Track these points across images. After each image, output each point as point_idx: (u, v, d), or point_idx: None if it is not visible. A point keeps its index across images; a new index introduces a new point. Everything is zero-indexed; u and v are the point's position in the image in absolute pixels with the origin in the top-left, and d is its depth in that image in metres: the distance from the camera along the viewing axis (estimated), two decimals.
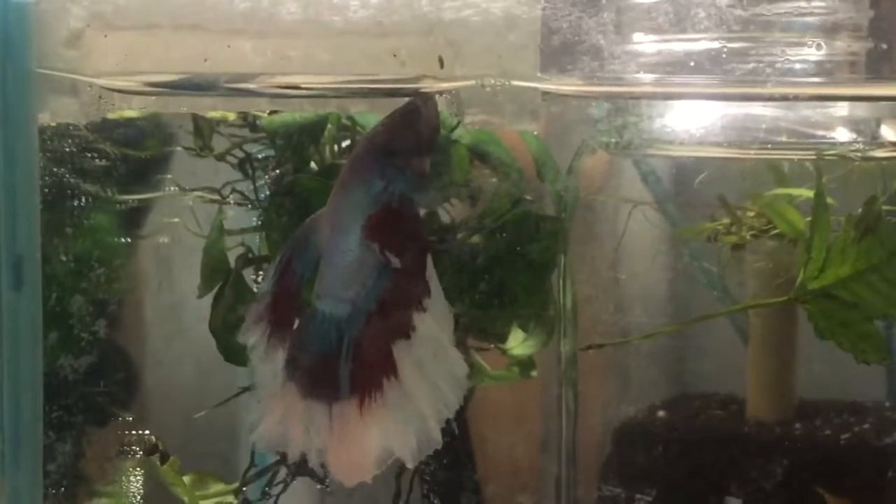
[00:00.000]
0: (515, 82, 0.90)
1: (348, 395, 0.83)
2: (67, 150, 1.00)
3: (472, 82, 0.90)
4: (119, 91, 0.90)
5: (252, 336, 0.87)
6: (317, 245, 0.85)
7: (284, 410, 0.85)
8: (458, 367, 0.83)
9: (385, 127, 0.85)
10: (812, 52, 0.96)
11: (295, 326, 0.85)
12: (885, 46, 0.93)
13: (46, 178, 0.98)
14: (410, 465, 0.83)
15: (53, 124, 0.96)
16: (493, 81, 0.89)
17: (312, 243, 0.85)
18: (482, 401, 1.08)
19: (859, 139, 1.00)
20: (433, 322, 0.83)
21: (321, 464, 0.84)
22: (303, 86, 0.91)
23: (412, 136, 0.85)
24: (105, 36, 0.89)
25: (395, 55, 0.87)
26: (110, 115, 0.96)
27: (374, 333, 0.83)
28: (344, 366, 0.83)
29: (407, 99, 0.86)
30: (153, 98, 0.91)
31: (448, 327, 0.84)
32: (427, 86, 0.89)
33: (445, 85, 0.89)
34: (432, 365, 0.83)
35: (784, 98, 0.93)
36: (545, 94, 0.91)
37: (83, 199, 1.01)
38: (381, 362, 0.83)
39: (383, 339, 0.83)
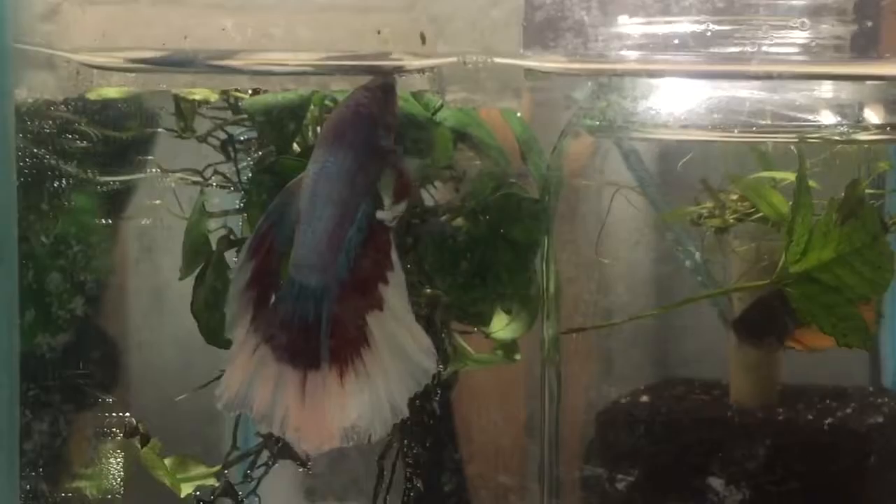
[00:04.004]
0: (497, 59, 0.89)
1: (327, 365, 0.83)
2: (47, 130, 0.99)
3: (454, 59, 0.90)
4: (97, 67, 0.89)
5: (233, 306, 0.86)
6: (295, 212, 0.85)
7: (254, 372, 0.85)
8: (423, 338, 0.84)
9: (368, 98, 0.86)
10: (797, 35, 0.96)
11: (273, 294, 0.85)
12: (869, 24, 0.93)
13: (26, 158, 0.98)
14: (382, 436, 0.84)
15: (30, 100, 0.95)
16: (474, 58, 0.89)
17: (290, 211, 0.85)
18: (466, 382, 1.08)
19: (843, 122, 1.00)
20: (399, 295, 0.84)
21: (282, 431, 0.84)
22: (284, 62, 0.90)
23: (392, 109, 0.86)
24: (83, 11, 0.88)
25: (379, 32, 0.86)
26: (89, 95, 0.95)
27: (352, 303, 0.84)
28: (323, 335, 0.83)
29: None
30: (132, 75, 0.91)
31: (408, 302, 0.85)
32: (408, 62, 0.89)
33: (427, 62, 0.89)
34: (403, 337, 0.84)
35: (768, 76, 0.93)
36: (528, 71, 0.91)
37: (62, 180, 1.01)
38: (357, 333, 0.83)
39: (359, 310, 0.84)
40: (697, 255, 1.05)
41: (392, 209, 0.84)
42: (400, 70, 0.89)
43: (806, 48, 0.96)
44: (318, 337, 0.83)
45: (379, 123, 0.85)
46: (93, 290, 1.05)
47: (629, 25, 0.95)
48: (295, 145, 0.99)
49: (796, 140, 0.98)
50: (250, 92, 0.98)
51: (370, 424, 0.83)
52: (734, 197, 1.03)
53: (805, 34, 0.96)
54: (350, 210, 0.84)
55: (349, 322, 0.83)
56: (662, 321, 1.07)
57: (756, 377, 1.06)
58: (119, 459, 1.05)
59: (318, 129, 1.00)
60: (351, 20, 0.88)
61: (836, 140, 0.99)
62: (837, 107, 1.01)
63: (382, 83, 0.86)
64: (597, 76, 0.99)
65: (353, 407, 0.83)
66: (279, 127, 0.96)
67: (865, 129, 1.01)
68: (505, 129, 1.01)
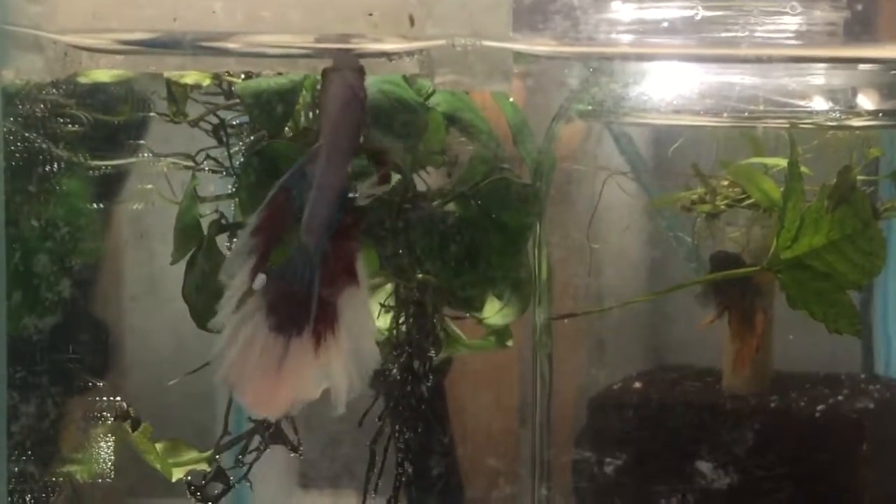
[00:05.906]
0: (487, 42, 0.89)
1: (309, 332, 0.85)
2: (37, 113, 0.99)
3: (443, 42, 0.90)
4: (86, 49, 0.89)
5: (237, 263, 0.87)
6: (311, 175, 0.87)
7: (245, 342, 0.86)
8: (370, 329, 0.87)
9: (359, 81, 0.88)
10: (789, 21, 0.96)
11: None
12: (859, 7, 0.93)
13: (16, 142, 0.97)
14: (340, 411, 0.86)
15: (18, 82, 0.95)
16: (463, 41, 0.89)
17: (308, 173, 0.87)
18: (458, 367, 1.08)
19: (836, 108, 1.00)
20: (365, 280, 0.87)
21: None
22: (273, 45, 0.90)
23: (365, 93, 0.89)
24: None
25: (371, 14, 0.87)
26: (80, 78, 0.95)
27: (335, 275, 0.86)
28: (313, 302, 0.85)
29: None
30: (121, 57, 0.91)
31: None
32: (397, 45, 0.89)
33: (415, 44, 0.89)
34: (361, 319, 0.86)
35: (759, 60, 0.92)
36: (518, 54, 0.91)
37: (52, 164, 1.01)
38: (335, 304, 0.86)
39: (338, 282, 0.86)
40: (689, 241, 1.05)
41: (369, 189, 0.86)
42: (389, 53, 0.89)
43: (798, 33, 0.96)
44: (307, 301, 0.85)
45: (363, 108, 0.88)
46: (83, 273, 1.05)
47: (622, 12, 0.95)
48: (287, 129, 0.99)
49: (788, 126, 0.98)
50: (243, 76, 0.98)
51: (335, 396, 0.85)
52: (725, 182, 1.03)
53: (797, 19, 0.95)
54: (342, 189, 0.87)
55: (332, 291, 0.86)
56: (654, 306, 1.07)
57: (749, 363, 1.06)
58: (109, 443, 1.05)
59: (310, 113, 1.00)
60: (340, 2, 0.88)
61: (829, 126, 0.99)
62: (830, 92, 1.01)
63: (360, 66, 0.88)
64: (586, 59, 0.98)
65: (322, 377, 0.85)
66: (269, 110, 0.96)
67: (858, 114, 1.01)
68: (497, 113, 1.01)
